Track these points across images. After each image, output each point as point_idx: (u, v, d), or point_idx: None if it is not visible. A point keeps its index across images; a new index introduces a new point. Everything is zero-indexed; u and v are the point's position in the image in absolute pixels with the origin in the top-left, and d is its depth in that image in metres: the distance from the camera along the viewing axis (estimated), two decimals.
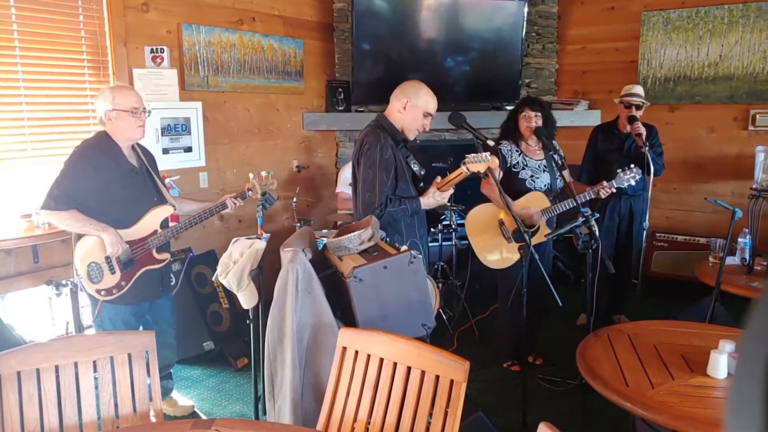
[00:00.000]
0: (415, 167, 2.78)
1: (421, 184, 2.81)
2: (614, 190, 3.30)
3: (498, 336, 3.68)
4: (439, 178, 2.75)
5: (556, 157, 3.36)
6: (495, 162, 2.61)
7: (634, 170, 3.25)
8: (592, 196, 3.26)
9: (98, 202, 2.65)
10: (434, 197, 2.71)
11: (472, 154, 2.59)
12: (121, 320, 2.75)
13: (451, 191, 2.76)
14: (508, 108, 5.21)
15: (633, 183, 3.29)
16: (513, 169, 3.35)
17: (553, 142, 3.41)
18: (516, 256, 3.26)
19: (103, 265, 2.67)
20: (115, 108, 2.67)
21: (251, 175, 2.88)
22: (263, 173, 2.86)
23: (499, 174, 3.27)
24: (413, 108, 2.72)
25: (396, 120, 2.76)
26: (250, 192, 2.87)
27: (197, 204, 3.05)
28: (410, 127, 2.77)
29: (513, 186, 3.30)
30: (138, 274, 2.76)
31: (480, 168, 2.57)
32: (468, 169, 2.58)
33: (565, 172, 3.43)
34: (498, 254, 3.32)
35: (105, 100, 2.68)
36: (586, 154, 4.10)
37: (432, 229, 4.13)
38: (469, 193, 4.07)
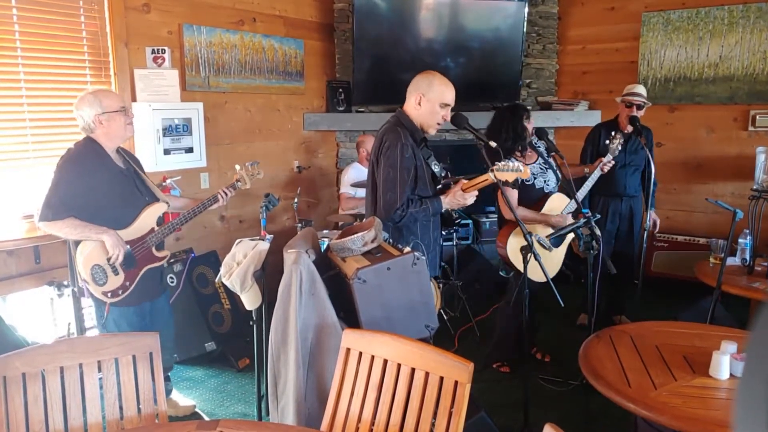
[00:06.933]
0: (436, 168, 2.65)
1: (439, 186, 2.68)
2: (613, 162, 3.53)
3: (498, 337, 3.56)
4: (464, 180, 2.59)
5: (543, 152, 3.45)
6: (527, 172, 2.45)
7: (618, 136, 3.53)
8: (597, 175, 3.47)
9: (93, 207, 2.65)
10: (457, 197, 2.55)
11: (502, 162, 2.43)
12: (125, 321, 2.76)
13: (476, 194, 2.58)
14: None
15: (620, 147, 3.54)
16: (525, 183, 3.30)
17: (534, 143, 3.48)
18: (560, 259, 3.37)
19: (106, 267, 2.68)
20: (105, 110, 2.68)
21: (238, 167, 3.01)
22: (248, 164, 3.01)
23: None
24: (428, 102, 2.57)
25: (414, 116, 2.62)
26: (239, 183, 2.98)
27: (190, 201, 3.11)
28: (429, 122, 2.62)
29: (528, 195, 3.31)
30: (141, 273, 2.77)
31: (509, 177, 2.42)
32: (495, 177, 2.42)
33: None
34: (548, 267, 3.11)
35: (92, 106, 2.66)
36: (587, 149, 4.07)
37: (444, 232, 4.10)
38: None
